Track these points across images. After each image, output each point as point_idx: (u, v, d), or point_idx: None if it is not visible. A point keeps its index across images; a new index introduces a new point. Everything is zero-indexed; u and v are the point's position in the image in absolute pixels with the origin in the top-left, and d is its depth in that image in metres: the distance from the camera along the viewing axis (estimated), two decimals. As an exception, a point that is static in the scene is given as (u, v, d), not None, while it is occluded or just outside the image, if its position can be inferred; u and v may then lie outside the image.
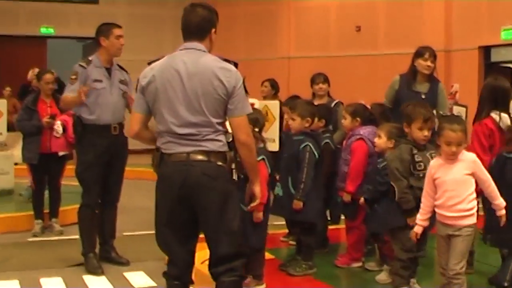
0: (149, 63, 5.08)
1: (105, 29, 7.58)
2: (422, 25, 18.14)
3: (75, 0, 22.24)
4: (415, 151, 5.91)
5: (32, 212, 9.73)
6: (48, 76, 9.48)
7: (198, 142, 4.62)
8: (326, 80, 8.64)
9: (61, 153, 9.34)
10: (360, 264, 7.05)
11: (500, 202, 5.44)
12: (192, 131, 4.61)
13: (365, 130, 6.94)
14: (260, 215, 6.05)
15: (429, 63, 7.53)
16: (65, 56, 23.87)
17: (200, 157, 4.61)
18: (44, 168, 9.45)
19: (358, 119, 7.02)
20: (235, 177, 4.78)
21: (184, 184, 4.61)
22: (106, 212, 7.69)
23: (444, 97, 7.67)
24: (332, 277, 6.75)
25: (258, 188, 4.89)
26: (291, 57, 20.69)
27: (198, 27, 4.81)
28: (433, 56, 7.59)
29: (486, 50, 17.35)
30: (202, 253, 5.77)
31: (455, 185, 5.33)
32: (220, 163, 4.65)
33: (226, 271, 4.70)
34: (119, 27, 7.62)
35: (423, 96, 7.38)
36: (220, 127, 4.68)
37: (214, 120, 4.63)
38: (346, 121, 7.09)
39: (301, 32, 20.57)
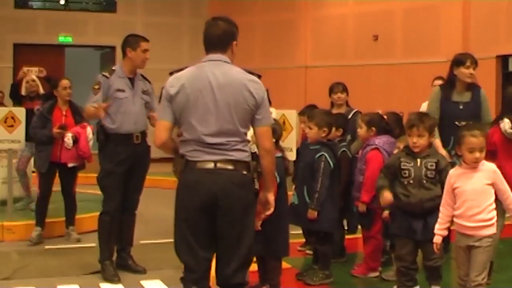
0: (171, 73, 5.23)
1: (133, 40, 7.61)
2: (439, 34, 18.11)
3: (93, 9, 22.35)
4: (402, 159, 5.98)
5: (51, 220, 9.75)
6: (64, 82, 9.54)
7: (226, 151, 4.74)
8: (344, 89, 8.60)
9: (70, 165, 9.29)
10: (377, 274, 7.03)
11: None
12: (221, 140, 4.74)
13: (380, 140, 6.93)
14: (258, 224, 6.01)
15: (471, 70, 7.25)
16: (83, 64, 24.01)
17: (227, 166, 4.73)
18: (52, 177, 9.46)
19: (373, 128, 7.01)
20: (257, 186, 4.96)
21: (209, 191, 4.70)
22: (124, 219, 7.70)
23: (487, 103, 7.46)
24: (349, 287, 6.73)
25: (273, 197, 5.06)
26: (308, 66, 20.69)
27: (220, 40, 4.96)
28: (475, 63, 7.29)
29: (503, 60, 17.28)
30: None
31: (475, 195, 5.31)
32: (245, 172, 4.79)
33: (238, 284, 4.87)
34: (147, 40, 7.64)
35: (460, 107, 7.26)
36: (246, 137, 4.85)
37: (242, 130, 4.80)
38: (362, 130, 7.08)
39: (318, 41, 20.57)
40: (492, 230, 5.34)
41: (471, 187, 5.31)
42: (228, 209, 4.73)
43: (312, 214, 6.56)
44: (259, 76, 5.50)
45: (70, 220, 9.71)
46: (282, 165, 6.18)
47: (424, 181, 5.96)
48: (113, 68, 7.62)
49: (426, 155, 5.98)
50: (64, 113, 9.40)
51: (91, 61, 24.12)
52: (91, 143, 9.13)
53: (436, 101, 7.40)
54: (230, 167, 4.73)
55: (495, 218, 5.37)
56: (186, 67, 5.02)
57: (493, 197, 5.33)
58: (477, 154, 5.27)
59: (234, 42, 5.04)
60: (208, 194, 4.71)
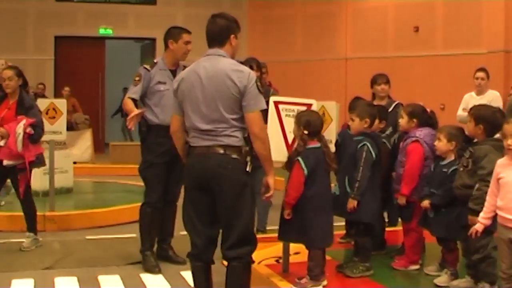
0: (185, 68, 5.79)
1: (175, 32, 7.62)
2: (481, 25, 17.91)
3: (133, 1, 22.44)
4: None
5: (89, 210, 9.81)
6: (4, 72, 8.51)
7: (216, 137, 5.22)
8: (388, 81, 8.49)
9: (5, 163, 8.23)
10: (417, 266, 6.98)
11: None
12: (211, 127, 5.21)
13: (421, 132, 6.86)
14: (286, 212, 6.18)
15: None
16: (123, 56, 24.20)
17: (217, 150, 5.20)
18: None
19: (414, 120, 6.94)
20: (248, 169, 5.26)
21: (202, 173, 5.23)
22: (165, 210, 7.73)
23: None
24: (390, 279, 6.69)
25: (272, 180, 5.38)
26: (348, 58, 20.61)
27: (216, 35, 5.38)
28: None
29: (546, 52, 17.09)
30: (259, 253, 5.81)
31: None
32: (235, 156, 5.21)
33: (235, 257, 5.28)
34: (189, 32, 7.64)
35: None
36: (236, 123, 5.24)
37: (229, 116, 5.20)
38: (403, 121, 7.00)
39: (358, 33, 20.47)
40: None
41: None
42: (219, 190, 5.20)
43: (352, 203, 6.52)
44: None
45: (27, 225, 8.74)
46: (314, 156, 6.17)
47: (461, 169, 6.06)
48: (155, 61, 7.65)
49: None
50: (9, 106, 8.43)
51: (131, 53, 24.29)
52: (19, 138, 8.08)
53: None
54: (221, 151, 5.19)
55: None
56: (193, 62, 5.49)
57: None
58: (509, 141, 5.20)
59: (232, 36, 5.40)
60: (201, 176, 5.24)
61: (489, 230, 5.59)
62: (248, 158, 5.26)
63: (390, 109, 8.00)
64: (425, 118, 7.04)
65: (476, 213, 5.57)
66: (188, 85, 5.31)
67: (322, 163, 6.25)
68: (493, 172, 5.40)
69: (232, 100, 5.18)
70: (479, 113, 6.06)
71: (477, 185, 5.73)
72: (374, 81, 8.44)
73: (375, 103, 7.96)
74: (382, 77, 8.42)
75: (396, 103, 8.23)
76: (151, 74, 7.47)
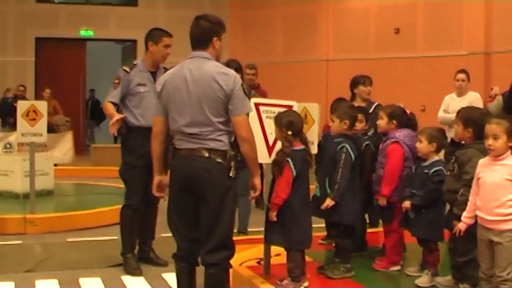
0: (166, 70, 5.73)
1: (155, 34, 7.60)
2: (461, 27, 18.02)
3: (114, 3, 22.43)
4: None
5: (70, 213, 9.78)
6: None
7: (202, 140, 5.19)
8: (372, 82, 8.52)
9: None
10: (398, 267, 6.99)
11: None
12: (196, 131, 5.19)
13: (400, 133, 6.87)
14: (273, 214, 6.13)
15: None
16: (104, 58, 24.15)
17: (202, 153, 5.18)
18: None
19: (394, 121, 6.95)
20: (232, 174, 5.25)
21: (187, 175, 5.21)
22: (146, 213, 7.71)
23: None
24: (371, 280, 6.70)
25: (258, 181, 5.41)
26: (329, 60, 20.66)
27: (200, 38, 5.36)
28: None
29: (526, 52, 17.19)
30: (240, 255, 5.81)
31: (494, 188, 5.24)
32: (219, 160, 5.18)
33: (213, 264, 5.24)
34: (170, 36, 7.62)
35: None
36: (222, 127, 5.22)
37: (215, 120, 5.18)
38: (382, 122, 7.00)
39: (340, 35, 20.53)
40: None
41: (491, 179, 5.26)
42: (202, 193, 5.18)
43: (329, 202, 6.52)
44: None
45: None
46: (300, 158, 6.18)
47: (448, 173, 6.08)
48: (135, 63, 7.63)
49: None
50: None
51: (112, 55, 24.27)
52: None
53: None
54: (205, 154, 5.17)
55: None
56: (177, 64, 5.45)
57: None
58: (489, 141, 5.22)
59: (215, 39, 5.36)
60: (185, 178, 5.23)
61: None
62: (232, 163, 5.24)
63: (370, 111, 8.01)
64: (405, 120, 7.06)
65: (460, 218, 5.59)
66: (173, 87, 5.27)
67: (307, 165, 6.28)
68: None
69: (218, 103, 5.15)
70: (468, 116, 6.03)
71: (461, 191, 5.74)
72: (359, 82, 8.44)
73: (356, 104, 7.97)
74: (368, 78, 8.44)
75: (375, 104, 8.26)
76: (130, 76, 7.45)
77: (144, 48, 7.66)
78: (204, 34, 5.33)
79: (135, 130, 7.42)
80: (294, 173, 6.07)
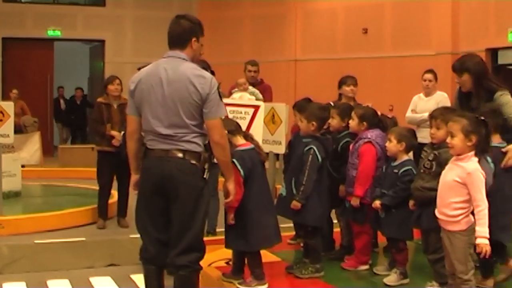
0: (139, 69, 5.66)
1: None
2: (429, 27, 18.12)
3: (82, 3, 22.30)
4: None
5: (37, 214, 9.72)
6: None
7: (176, 142, 5.14)
8: (356, 83, 8.60)
9: None
10: (367, 267, 7.02)
11: (480, 230, 5.11)
12: (170, 132, 5.14)
13: (372, 133, 6.89)
14: (230, 217, 6.12)
15: None
16: (72, 58, 24.00)
17: (176, 154, 5.13)
18: None
19: (364, 123, 6.97)
20: (205, 176, 5.25)
21: (160, 176, 5.15)
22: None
23: None
24: (339, 280, 6.71)
25: (232, 186, 5.46)
26: (297, 60, 20.68)
27: (179, 37, 5.32)
28: None
29: (493, 53, 17.32)
30: (209, 256, 5.80)
31: (442, 187, 5.31)
32: (193, 162, 5.16)
33: (183, 266, 5.20)
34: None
35: None
36: (196, 129, 5.19)
37: (189, 122, 5.14)
38: (353, 123, 7.02)
39: (308, 35, 20.55)
40: (458, 227, 5.23)
41: (444, 178, 5.30)
42: (175, 195, 5.13)
43: (296, 205, 6.51)
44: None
45: None
46: (249, 157, 6.16)
47: (422, 171, 6.10)
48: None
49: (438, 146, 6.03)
50: None
51: (80, 55, 24.12)
52: None
53: None
54: (180, 155, 5.13)
55: (463, 216, 5.23)
56: (150, 63, 5.40)
57: (463, 197, 5.19)
58: (447, 139, 5.31)
59: (194, 39, 5.35)
60: (157, 179, 5.16)
61: None
62: (206, 165, 5.23)
63: None
64: (375, 122, 7.08)
65: None
66: (147, 87, 5.21)
67: (258, 164, 6.25)
68: None
69: (193, 106, 5.11)
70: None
71: None
72: (343, 82, 8.52)
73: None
74: (351, 78, 8.52)
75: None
76: None
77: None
78: (184, 33, 5.30)
79: None
80: (242, 173, 6.03)
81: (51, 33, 21.57)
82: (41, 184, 14.35)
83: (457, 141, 5.23)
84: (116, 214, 10.32)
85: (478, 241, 5.07)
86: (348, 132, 7.23)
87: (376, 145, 6.81)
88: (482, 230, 5.07)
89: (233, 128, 6.21)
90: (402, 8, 18.61)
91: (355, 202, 6.83)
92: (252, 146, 6.24)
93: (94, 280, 7.33)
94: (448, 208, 5.24)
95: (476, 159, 5.22)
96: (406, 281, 6.46)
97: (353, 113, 7.11)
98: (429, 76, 10.28)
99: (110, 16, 21.16)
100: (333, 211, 7.46)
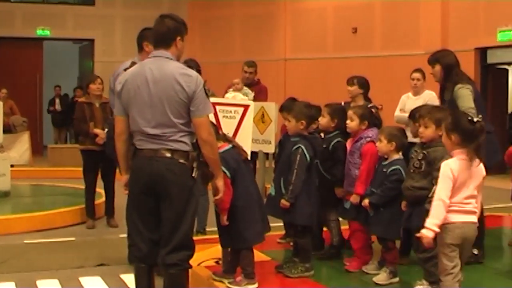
0: (125, 69, 5.72)
1: (150, 35, 7.55)
2: (418, 26, 18.19)
3: (71, 2, 22.26)
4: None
5: (27, 214, 9.71)
6: None
7: (164, 141, 5.16)
8: (353, 83, 8.54)
9: None
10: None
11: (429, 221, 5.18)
12: (158, 132, 5.15)
13: (373, 133, 6.88)
14: (224, 219, 6.10)
15: None
16: (61, 57, 23.95)
17: (165, 154, 5.15)
18: None
19: (366, 122, 6.95)
20: (194, 174, 5.24)
21: (149, 176, 5.16)
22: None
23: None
24: (329, 279, 6.73)
25: (221, 183, 5.47)
26: (287, 59, 20.71)
27: (163, 36, 5.32)
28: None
29: (482, 52, 17.40)
30: (198, 255, 5.80)
31: None
32: (182, 161, 5.17)
33: (173, 264, 5.22)
34: None
35: None
36: (184, 128, 5.20)
37: (177, 121, 5.15)
38: (353, 123, 6.95)
39: (298, 34, 20.59)
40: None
41: None
42: (165, 194, 5.15)
43: (284, 204, 6.51)
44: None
45: None
46: (231, 157, 6.15)
47: (411, 171, 6.12)
48: (134, 61, 7.56)
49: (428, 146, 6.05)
50: None
51: (69, 54, 24.07)
52: None
53: None
54: (168, 155, 5.14)
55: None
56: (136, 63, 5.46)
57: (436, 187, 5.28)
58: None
59: (178, 38, 5.36)
60: (147, 179, 5.17)
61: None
62: (195, 164, 5.23)
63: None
64: (373, 120, 7.09)
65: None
66: (134, 87, 5.20)
67: (241, 161, 6.25)
68: None
69: (180, 104, 5.12)
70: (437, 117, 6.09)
71: (434, 187, 5.78)
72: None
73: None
74: (349, 79, 8.47)
75: (371, 105, 8.20)
76: None
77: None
78: (169, 33, 5.30)
79: None
80: (228, 174, 6.02)
81: (40, 32, 21.55)
82: (30, 184, 14.31)
83: (430, 131, 5.50)
84: (104, 214, 10.31)
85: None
86: (339, 132, 7.22)
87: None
88: (428, 221, 5.15)
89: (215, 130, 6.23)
90: (391, 8, 18.67)
91: (355, 199, 6.78)
92: (230, 145, 6.24)
93: (83, 280, 7.32)
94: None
95: (462, 156, 5.20)
96: (396, 279, 6.47)
97: (351, 113, 7.04)
98: (417, 75, 10.28)
99: (100, 15, 21.15)
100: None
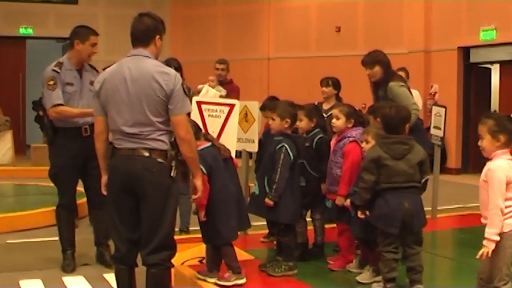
0: (104, 69, 5.65)
1: (82, 32, 7.52)
2: (401, 25, 18.24)
3: (54, 0, 22.16)
4: None
5: (9, 214, 9.67)
6: None
7: (142, 140, 5.14)
8: (328, 84, 8.65)
9: None
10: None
11: (489, 231, 5.01)
12: (136, 130, 5.13)
13: (357, 132, 6.86)
14: (201, 214, 6.12)
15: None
16: (44, 56, 23.78)
17: (142, 153, 5.13)
18: None
19: (352, 120, 6.95)
20: (173, 173, 5.22)
21: (127, 175, 5.15)
22: (94, 214, 7.70)
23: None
24: (312, 278, 6.72)
25: (199, 182, 5.44)
26: (270, 58, 20.72)
27: (142, 35, 5.31)
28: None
29: (465, 51, 17.47)
30: (182, 254, 5.79)
31: (480, 190, 5.22)
32: (160, 160, 5.16)
33: (155, 264, 5.23)
34: (97, 34, 7.55)
35: None
36: (162, 126, 5.18)
37: (155, 120, 5.13)
38: (339, 122, 6.94)
39: (281, 33, 20.60)
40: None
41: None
42: (143, 194, 5.14)
43: (268, 203, 6.52)
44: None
45: None
46: (209, 155, 6.16)
47: None
48: (60, 61, 7.52)
49: None
50: None
51: (52, 53, 23.87)
52: None
53: None
54: (146, 154, 5.13)
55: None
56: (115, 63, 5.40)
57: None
58: (479, 142, 5.20)
59: (157, 37, 5.34)
60: (125, 178, 5.16)
61: None
62: (173, 163, 5.21)
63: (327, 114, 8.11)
64: (358, 118, 7.10)
65: None
66: (112, 86, 5.18)
67: (218, 158, 6.26)
68: None
69: (158, 103, 5.10)
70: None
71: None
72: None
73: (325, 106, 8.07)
74: (323, 80, 8.63)
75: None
76: (61, 76, 7.35)
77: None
78: (147, 31, 5.28)
79: (62, 131, 7.35)
80: (205, 171, 6.00)
81: (23, 31, 21.47)
82: (13, 183, 14.27)
83: (486, 142, 5.15)
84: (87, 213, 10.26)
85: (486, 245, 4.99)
86: (319, 129, 7.24)
87: (360, 144, 6.77)
88: (488, 231, 5.02)
89: (194, 132, 6.22)
90: (375, 7, 18.71)
91: (340, 201, 6.75)
92: (209, 143, 6.25)
93: (67, 279, 7.29)
94: (486, 209, 5.10)
95: (508, 157, 5.13)
96: (379, 278, 6.46)
97: (337, 112, 7.03)
98: (400, 74, 10.32)
99: (83, 14, 21.03)
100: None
